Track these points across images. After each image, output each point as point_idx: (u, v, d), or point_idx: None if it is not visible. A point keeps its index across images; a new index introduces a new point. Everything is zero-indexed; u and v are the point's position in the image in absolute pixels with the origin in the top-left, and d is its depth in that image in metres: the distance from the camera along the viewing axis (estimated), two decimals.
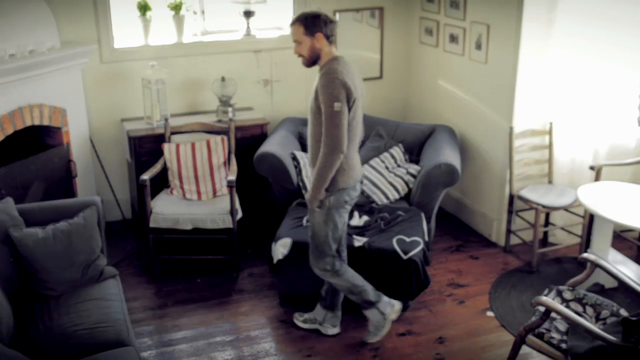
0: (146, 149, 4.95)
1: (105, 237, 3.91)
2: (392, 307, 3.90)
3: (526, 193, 4.77)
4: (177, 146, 4.83)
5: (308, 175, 4.77)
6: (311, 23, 3.48)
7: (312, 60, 3.56)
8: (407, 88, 6.04)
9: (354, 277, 3.84)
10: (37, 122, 4.52)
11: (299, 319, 4.13)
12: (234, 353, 3.86)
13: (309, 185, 4.77)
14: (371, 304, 3.87)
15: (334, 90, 3.41)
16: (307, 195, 3.66)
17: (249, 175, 4.98)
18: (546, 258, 4.92)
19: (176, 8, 5.20)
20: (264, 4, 5.38)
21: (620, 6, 4.62)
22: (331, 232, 3.69)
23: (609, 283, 4.40)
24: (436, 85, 5.65)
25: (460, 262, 4.89)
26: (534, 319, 3.35)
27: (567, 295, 3.52)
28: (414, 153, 5.15)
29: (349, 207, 3.73)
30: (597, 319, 3.39)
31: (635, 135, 5.03)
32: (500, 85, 4.87)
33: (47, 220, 3.64)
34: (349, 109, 3.48)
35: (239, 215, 4.72)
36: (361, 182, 3.78)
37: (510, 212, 4.92)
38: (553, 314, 3.30)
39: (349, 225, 4.33)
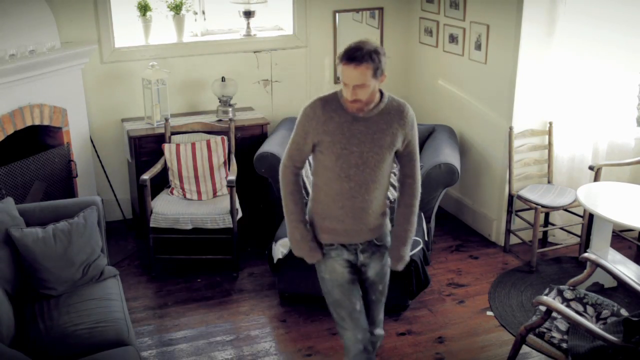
0: (146, 149, 4.95)
1: (106, 237, 3.92)
2: None
3: (526, 193, 4.77)
4: (177, 146, 4.83)
5: (308, 175, 4.77)
6: (380, 62, 2.66)
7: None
8: (407, 88, 6.04)
9: None
10: (37, 122, 4.52)
11: None
12: (234, 352, 3.87)
13: (310, 188, 4.78)
14: None
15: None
16: (400, 252, 3.00)
17: (249, 175, 4.98)
18: (546, 258, 4.93)
19: (176, 8, 5.21)
20: (264, 4, 5.38)
21: (620, 6, 4.63)
22: None
23: (608, 282, 4.41)
24: (436, 85, 5.65)
25: (459, 261, 4.90)
26: (534, 318, 3.35)
27: (568, 294, 3.53)
28: None
29: None
30: (598, 318, 3.39)
31: (634, 135, 5.04)
32: (500, 85, 4.88)
33: (48, 220, 3.64)
34: None
35: (239, 215, 4.72)
36: None
37: (509, 212, 4.92)
38: (554, 314, 3.31)
39: None
